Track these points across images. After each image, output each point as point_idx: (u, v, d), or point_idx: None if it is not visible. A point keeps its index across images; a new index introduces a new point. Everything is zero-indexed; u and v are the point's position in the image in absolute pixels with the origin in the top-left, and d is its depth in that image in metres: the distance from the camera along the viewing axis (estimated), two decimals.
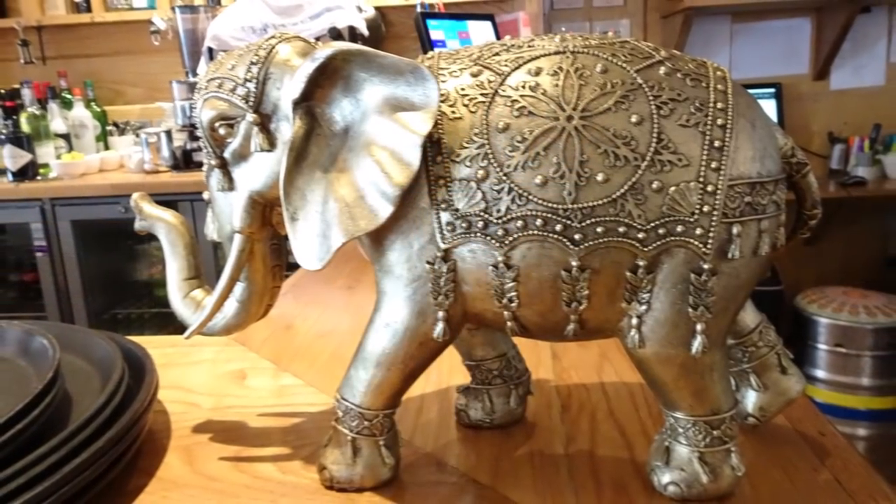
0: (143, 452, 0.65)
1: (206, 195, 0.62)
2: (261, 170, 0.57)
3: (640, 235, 0.50)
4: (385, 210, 0.52)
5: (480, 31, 2.38)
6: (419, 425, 0.68)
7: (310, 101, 0.54)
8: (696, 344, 0.51)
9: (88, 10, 3.04)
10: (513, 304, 0.53)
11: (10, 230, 2.85)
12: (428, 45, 2.19)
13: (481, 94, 0.52)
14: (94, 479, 0.55)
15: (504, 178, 0.50)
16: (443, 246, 0.52)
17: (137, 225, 0.66)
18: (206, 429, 0.69)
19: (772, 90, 3.10)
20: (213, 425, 0.70)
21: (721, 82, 0.52)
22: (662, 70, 0.51)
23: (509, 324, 0.54)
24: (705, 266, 0.50)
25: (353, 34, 2.50)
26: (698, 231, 0.49)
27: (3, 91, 2.77)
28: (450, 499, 0.57)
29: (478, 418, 0.67)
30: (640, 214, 0.49)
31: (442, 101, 0.52)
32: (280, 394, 0.78)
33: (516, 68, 0.52)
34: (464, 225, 0.51)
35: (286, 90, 0.55)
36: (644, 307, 0.52)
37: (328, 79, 0.53)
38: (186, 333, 0.62)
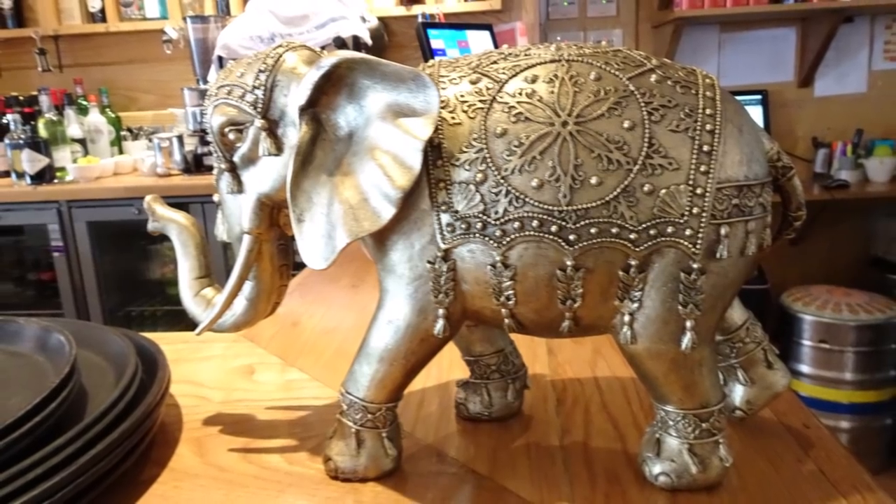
0: (155, 444, 0.65)
1: (216, 197, 0.62)
2: (268, 173, 0.57)
3: (632, 236, 0.50)
4: (387, 212, 0.52)
5: (479, 41, 2.38)
6: (420, 418, 0.68)
7: (315, 108, 0.54)
8: (686, 340, 0.51)
9: (103, 20, 3.04)
10: (510, 302, 0.53)
11: (29, 231, 2.85)
12: (429, 53, 2.18)
13: (480, 101, 0.52)
14: (109, 469, 0.55)
15: (502, 181, 0.50)
16: (443, 246, 0.52)
17: (150, 226, 0.66)
18: (216, 421, 0.69)
19: (758, 97, 3.09)
20: (222, 418, 0.70)
21: (710, 89, 0.52)
22: (653, 78, 0.51)
23: (507, 321, 0.54)
24: (695, 265, 0.50)
25: (357, 43, 2.50)
26: (688, 232, 0.49)
27: (21, 98, 2.77)
28: (450, 489, 0.57)
29: (476, 411, 0.67)
30: (633, 216, 0.49)
31: (442, 108, 0.52)
32: (287, 388, 0.78)
33: (513, 76, 0.52)
34: (463, 226, 0.51)
35: (293, 97, 0.55)
36: (636, 305, 0.52)
37: (333, 86, 0.53)
38: (197, 330, 0.62)
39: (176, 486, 0.59)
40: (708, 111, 0.51)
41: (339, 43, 2.44)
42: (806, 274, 3.09)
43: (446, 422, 0.68)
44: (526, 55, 0.54)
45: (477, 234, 0.51)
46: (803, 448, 0.60)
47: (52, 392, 0.57)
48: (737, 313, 0.62)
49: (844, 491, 0.54)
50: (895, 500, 0.52)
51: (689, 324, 0.51)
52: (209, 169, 2.44)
